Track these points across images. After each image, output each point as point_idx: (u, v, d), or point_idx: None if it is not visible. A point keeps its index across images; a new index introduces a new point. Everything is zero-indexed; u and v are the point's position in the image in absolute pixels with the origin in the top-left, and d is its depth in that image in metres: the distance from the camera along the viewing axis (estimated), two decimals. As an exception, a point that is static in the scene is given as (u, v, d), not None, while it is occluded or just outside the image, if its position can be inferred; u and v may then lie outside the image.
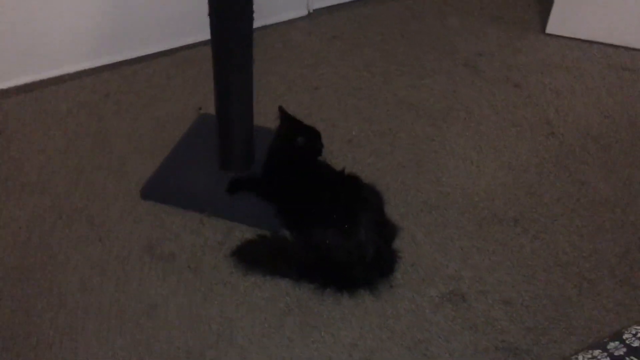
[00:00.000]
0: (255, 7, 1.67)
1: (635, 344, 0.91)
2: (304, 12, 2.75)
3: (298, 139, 1.75)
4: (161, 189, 1.88)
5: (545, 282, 1.73)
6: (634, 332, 0.94)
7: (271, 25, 2.65)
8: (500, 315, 1.64)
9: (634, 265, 1.77)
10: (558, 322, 1.63)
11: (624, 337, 0.94)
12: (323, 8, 2.80)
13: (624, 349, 0.91)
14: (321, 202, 1.70)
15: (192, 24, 2.36)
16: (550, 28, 2.70)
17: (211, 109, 1.88)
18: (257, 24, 1.72)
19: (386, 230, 1.76)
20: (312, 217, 1.69)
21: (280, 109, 1.85)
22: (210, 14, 1.65)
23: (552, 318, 1.64)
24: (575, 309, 1.66)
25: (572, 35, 2.68)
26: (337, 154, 2.07)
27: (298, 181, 1.77)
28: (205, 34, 1.74)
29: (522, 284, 1.72)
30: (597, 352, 0.92)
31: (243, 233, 1.80)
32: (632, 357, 0.89)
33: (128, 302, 1.62)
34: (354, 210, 1.66)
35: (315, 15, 2.78)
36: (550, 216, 1.92)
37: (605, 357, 0.90)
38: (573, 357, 0.93)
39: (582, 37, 2.67)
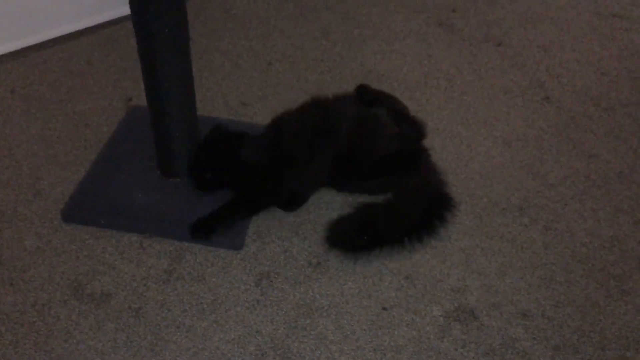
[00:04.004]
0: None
1: None
2: (246, -27, 2.36)
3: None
4: (87, 207, 1.52)
5: (565, 284, 1.44)
6: None
7: (209, -9, 2.26)
8: (520, 333, 1.35)
9: (664, 253, 1.51)
10: (589, 336, 1.35)
11: None
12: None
13: None
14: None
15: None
16: (529, -25, 2.38)
17: (144, 99, 1.51)
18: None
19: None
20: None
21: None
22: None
23: (580, 330, 1.36)
24: (606, 316, 1.39)
25: (554, -18, 2.37)
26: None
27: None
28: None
29: (539, 290, 1.43)
30: None
31: (196, 256, 1.45)
32: None
33: (53, 365, 1.26)
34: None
35: (259, -25, 2.39)
36: (560, 200, 1.63)
37: None
38: None
39: (565, -17, 2.36)
